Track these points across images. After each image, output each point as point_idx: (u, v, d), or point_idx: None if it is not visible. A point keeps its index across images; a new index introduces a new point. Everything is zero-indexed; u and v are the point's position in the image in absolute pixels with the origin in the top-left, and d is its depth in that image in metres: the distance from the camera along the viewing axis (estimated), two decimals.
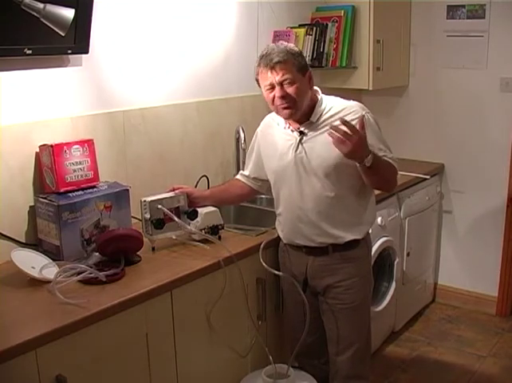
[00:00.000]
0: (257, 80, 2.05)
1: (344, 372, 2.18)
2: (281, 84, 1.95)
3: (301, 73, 1.97)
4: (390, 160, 2.02)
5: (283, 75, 1.94)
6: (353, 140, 1.81)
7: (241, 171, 2.40)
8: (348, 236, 2.07)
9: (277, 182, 2.14)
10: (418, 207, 3.28)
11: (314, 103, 2.05)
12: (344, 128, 1.81)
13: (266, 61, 1.95)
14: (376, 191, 2.28)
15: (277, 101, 1.98)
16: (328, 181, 2.01)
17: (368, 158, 1.86)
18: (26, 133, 2.04)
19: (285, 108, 1.98)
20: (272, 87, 1.97)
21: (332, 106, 2.04)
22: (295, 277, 2.17)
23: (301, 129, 2.04)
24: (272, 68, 1.94)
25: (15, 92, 2.00)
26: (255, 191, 2.34)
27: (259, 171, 2.26)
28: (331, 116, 2.01)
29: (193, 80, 2.65)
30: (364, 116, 1.96)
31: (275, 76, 1.95)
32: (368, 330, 2.22)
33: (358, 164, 1.90)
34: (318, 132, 2.02)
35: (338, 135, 1.81)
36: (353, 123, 1.88)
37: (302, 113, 2.02)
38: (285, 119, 2.06)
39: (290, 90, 1.95)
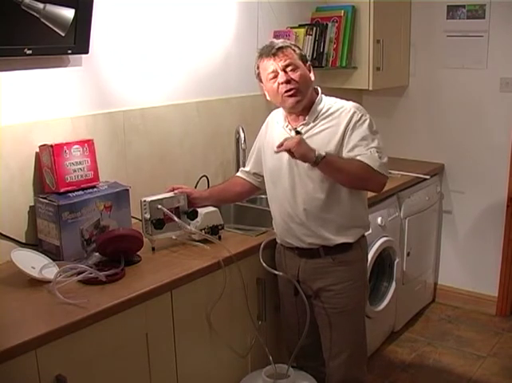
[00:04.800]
0: (258, 75, 2.04)
1: (337, 377, 2.16)
2: (284, 69, 1.95)
3: (302, 61, 1.99)
4: (360, 157, 1.93)
5: (285, 60, 1.94)
6: (293, 140, 1.86)
7: (241, 168, 2.40)
8: (339, 239, 2.04)
9: (272, 180, 2.13)
10: (418, 207, 3.28)
11: (313, 101, 2.04)
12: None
13: (268, 49, 1.96)
14: (373, 193, 2.30)
15: (282, 88, 1.96)
16: (320, 183, 1.99)
17: (317, 153, 1.86)
18: (26, 133, 2.04)
19: (290, 96, 1.96)
20: (275, 75, 1.96)
21: (331, 107, 2.03)
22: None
23: (298, 129, 2.03)
24: (274, 54, 1.95)
25: (15, 92, 2.00)
26: (255, 187, 2.33)
27: (259, 167, 2.25)
28: (328, 116, 2.01)
29: (193, 80, 2.65)
30: (354, 113, 1.98)
31: (278, 62, 1.95)
32: (362, 336, 2.20)
33: (314, 165, 1.90)
34: (314, 133, 2.00)
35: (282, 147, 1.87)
36: (345, 122, 1.96)
37: (303, 108, 2.01)
38: (291, 108, 2.02)
39: (294, 76, 1.95)
